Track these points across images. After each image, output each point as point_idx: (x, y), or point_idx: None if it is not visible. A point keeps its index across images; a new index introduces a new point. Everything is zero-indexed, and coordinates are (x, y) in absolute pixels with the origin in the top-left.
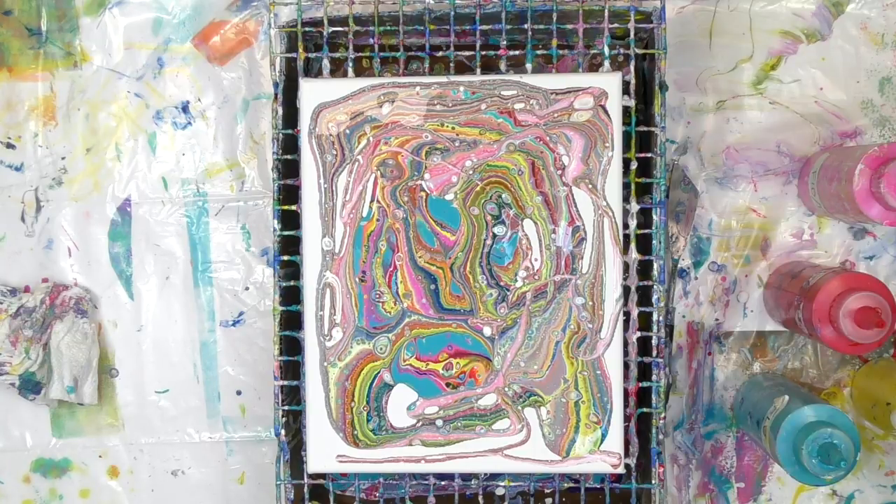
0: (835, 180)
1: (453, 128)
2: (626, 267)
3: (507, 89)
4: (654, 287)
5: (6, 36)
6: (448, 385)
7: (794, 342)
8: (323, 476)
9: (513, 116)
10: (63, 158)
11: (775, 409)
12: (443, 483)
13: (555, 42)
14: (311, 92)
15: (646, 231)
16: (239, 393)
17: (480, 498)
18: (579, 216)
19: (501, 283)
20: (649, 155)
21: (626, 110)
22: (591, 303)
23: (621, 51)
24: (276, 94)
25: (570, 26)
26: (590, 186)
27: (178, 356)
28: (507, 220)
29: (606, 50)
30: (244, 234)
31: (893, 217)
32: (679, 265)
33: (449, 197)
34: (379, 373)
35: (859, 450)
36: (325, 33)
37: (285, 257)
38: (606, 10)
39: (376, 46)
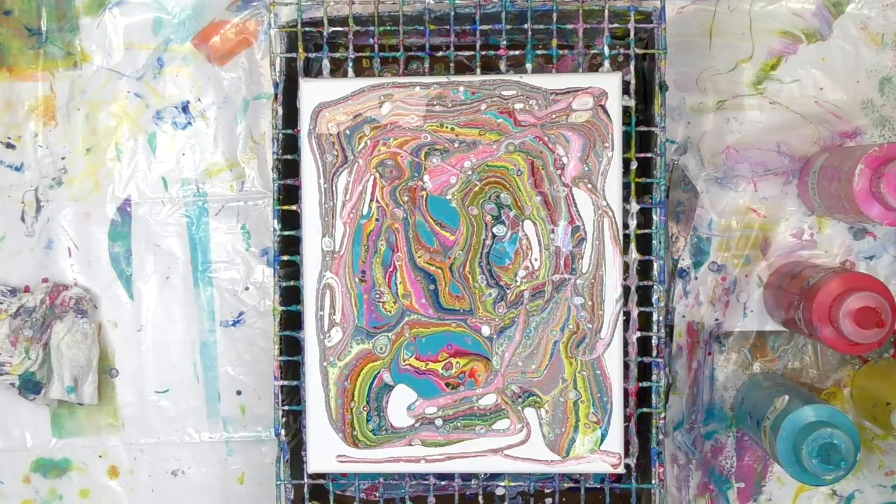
0: (835, 180)
1: (453, 128)
2: (626, 267)
3: (507, 89)
4: (654, 287)
5: (6, 36)
6: (448, 385)
7: (794, 342)
8: (323, 476)
9: (513, 116)
10: (63, 158)
11: (775, 409)
12: (443, 483)
13: (555, 42)
14: (311, 92)
15: (646, 231)
16: (239, 393)
17: (480, 498)
18: (579, 216)
19: (501, 283)
20: (649, 155)
21: (626, 110)
22: (590, 303)
23: (621, 51)
24: (276, 94)
25: (570, 26)
26: (589, 186)
27: (178, 356)
28: (506, 221)
29: (606, 50)
30: (244, 234)
31: (893, 217)
32: (679, 265)
33: (448, 197)
34: (379, 373)
35: (859, 450)
36: (325, 33)
37: (285, 257)
38: (606, 10)
39: (376, 46)
